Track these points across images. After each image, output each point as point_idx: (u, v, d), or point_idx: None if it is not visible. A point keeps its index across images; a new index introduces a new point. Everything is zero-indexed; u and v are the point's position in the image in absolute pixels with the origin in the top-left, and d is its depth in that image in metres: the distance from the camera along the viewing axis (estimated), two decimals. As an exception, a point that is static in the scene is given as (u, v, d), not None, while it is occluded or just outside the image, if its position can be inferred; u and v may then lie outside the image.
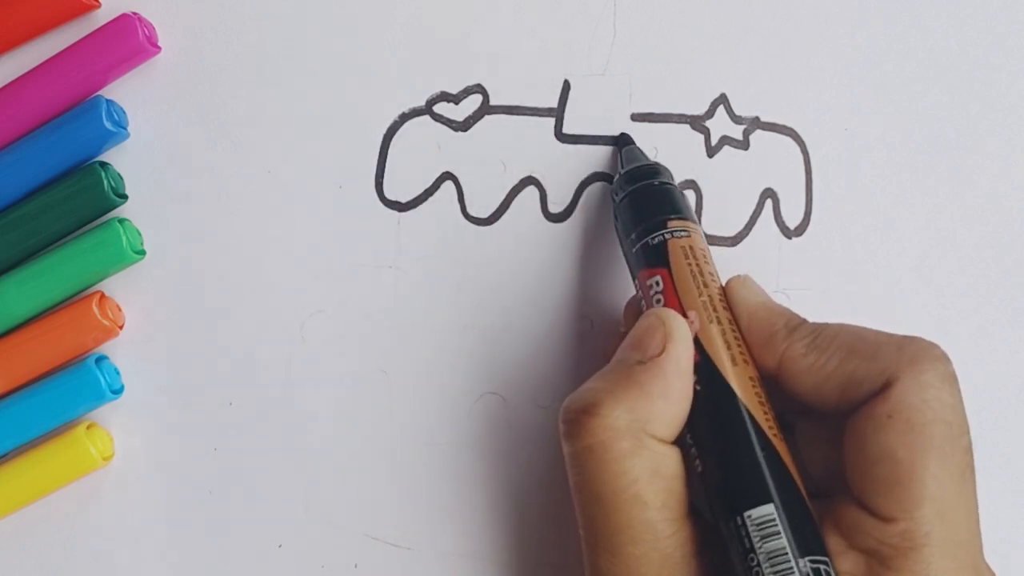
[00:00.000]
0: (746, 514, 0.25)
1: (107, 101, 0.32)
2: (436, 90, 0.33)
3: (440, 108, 0.33)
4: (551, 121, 0.33)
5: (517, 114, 0.33)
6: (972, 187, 0.34)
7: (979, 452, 0.34)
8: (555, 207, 0.33)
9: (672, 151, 0.33)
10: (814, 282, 0.34)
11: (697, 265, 0.28)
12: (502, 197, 0.33)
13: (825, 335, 0.26)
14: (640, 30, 0.34)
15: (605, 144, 0.33)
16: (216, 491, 0.33)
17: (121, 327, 0.32)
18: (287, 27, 0.33)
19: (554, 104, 0.33)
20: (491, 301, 0.33)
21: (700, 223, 0.34)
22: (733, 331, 0.27)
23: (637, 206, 0.30)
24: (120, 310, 0.33)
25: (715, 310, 0.28)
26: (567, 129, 0.33)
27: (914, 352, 0.25)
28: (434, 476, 0.33)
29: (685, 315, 0.27)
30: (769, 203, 0.34)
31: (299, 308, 0.33)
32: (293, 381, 0.33)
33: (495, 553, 0.33)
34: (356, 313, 0.33)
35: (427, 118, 0.33)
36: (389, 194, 0.33)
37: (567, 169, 0.33)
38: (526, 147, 0.33)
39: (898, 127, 0.34)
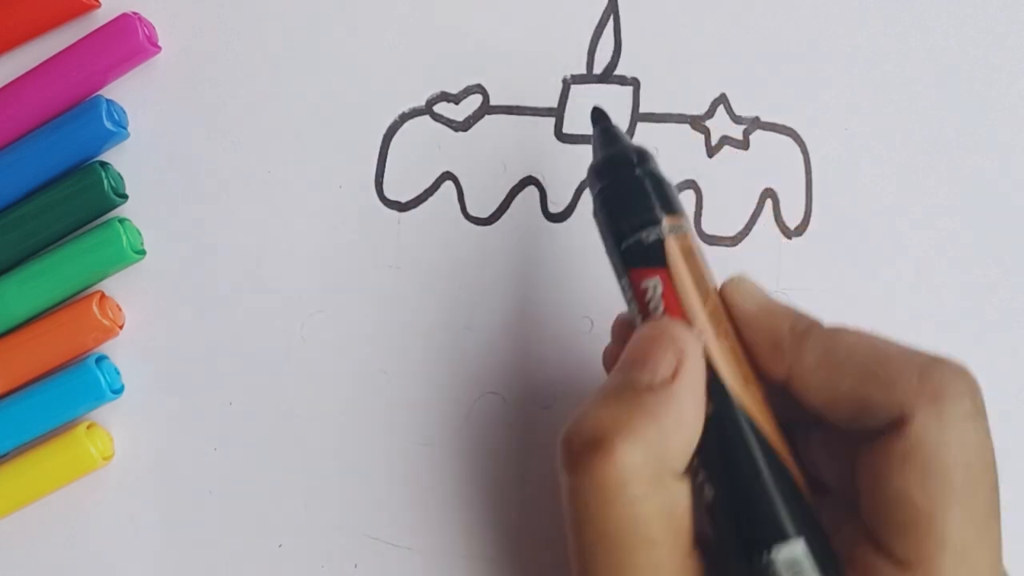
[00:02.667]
0: (773, 553, 0.23)
1: (107, 101, 0.32)
2: (436, 90, 0.33)
3: (440, 108, 0.33)
4: (551, 121, 0.33)
5: (517, 114, 0.33)
6: (972, 187, 0.34)
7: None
8: (555, 207, 0.33)
9: (672, 151, 0.33)
10: (814, 282, 0.34)
11: (698, 268, 0.25)
12: (502, 197, 0.33)
13: (839, 350, 0.24)
14: (640, 30, 0.34)
15: (605, 144, 0.33)
16: (216, 491, 0.33)
17: (121, 327, 0.32)
18: (287, 27, 0.33)
19: (554, 104, 0.33)
20: (491, 301, 0.33)
21: (700, 224, 0.34)
22: (731, 337, 0.25)
23: (626, 197, 0.27)
24: (120, 310, 0.33)
25: (720, 321, 0.25)
26: (567, 129, 0.33)
27: (937, 383, 0.23)
28: (434, 476, 0.33)
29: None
30: (769, 203, 0.34)
31: (299, 308, 0.33)
32: (293, 381, 0.33)
33: (495, 553, 0.33)
34: (356, 313, 0.33)
35: (427, 118, 0.33)
36: (389, 194, 0.33)
37: (567, 169, 0.33)
38: (526, 147, 0.33)
39: (898, 127, 0.34)
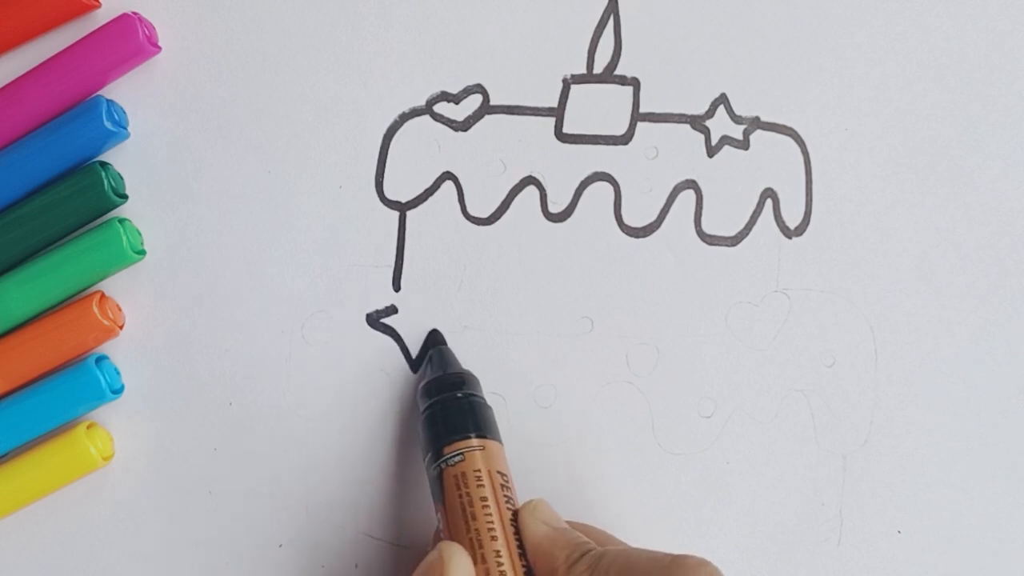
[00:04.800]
0: None
1: (107, 101, 0.32)
2: (436, 90, 0.33)
3: (440, 108, 0.33)
4: (551, 121, 0.33)
5: (517, 114, 0.33)
6: (972, 187, 0.34)
7: (980, 452, 0.34)
8: (555, 207, 0.33)
9: (672, 151, 0.34)
10: (814, 282, 0.34)
11: (468, 495, 0.28)
12: (502, 197, 0.33)
13: (600, 567, 0.26)
14: (640, 30, 0.34)
15: (605, 144, 0.33)
16: (216, 491, 0.33)
17: (121, 327, 0.32)
18: (287, 27, 0.33)
19: (554, 104, 0.33)
20: (491, 301, 0.33)
21: (700, 224, 0.34)
22: (502, 564, 0.27)
23: (424, 431, 0.30)
24: (120, 310, 0.33)
25: (481, 546, 0.27)
26: (567, 129, 0.33)
27: None
28: (434, 476, 0.33)
29: None
30: (769, 203, 0.34)
31: (299, 308, 0.33)
32: (293, 381, 0.33)
33: (495, 553, 0.33)
34: (356, 313, 0.33)
35: (427, 118, 0.33)
36: (389, 194, 0.33)
37: (567, 169, 0.33)
38: (526, 147, 0.33)
39: (898, 127, 0.34)
